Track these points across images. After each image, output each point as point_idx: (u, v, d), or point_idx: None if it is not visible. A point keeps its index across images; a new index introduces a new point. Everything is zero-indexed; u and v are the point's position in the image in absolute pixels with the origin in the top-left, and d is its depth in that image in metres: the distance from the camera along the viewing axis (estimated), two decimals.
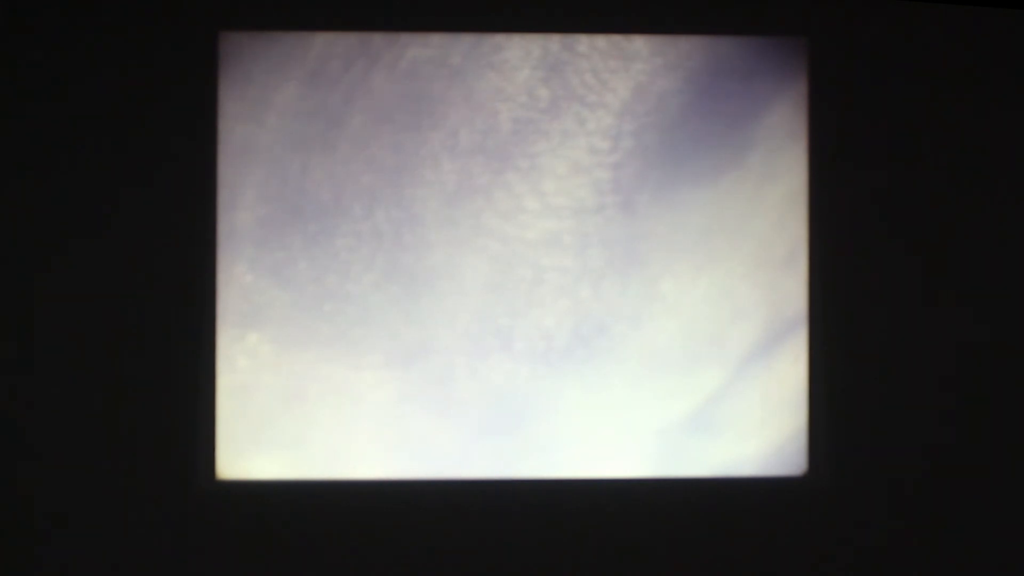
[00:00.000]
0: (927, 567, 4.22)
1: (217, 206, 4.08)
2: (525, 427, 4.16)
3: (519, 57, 4.16)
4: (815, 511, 4.21)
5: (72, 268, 4.04)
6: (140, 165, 4.07)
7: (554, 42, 4.17)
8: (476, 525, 4.13)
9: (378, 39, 4.13)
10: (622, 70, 4.18)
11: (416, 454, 4.13)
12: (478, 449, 4.14)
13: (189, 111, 4.08)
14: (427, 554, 4.12)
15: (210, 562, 4.07)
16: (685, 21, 4.19)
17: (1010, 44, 4.26)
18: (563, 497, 4.15)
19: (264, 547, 4.08)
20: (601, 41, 4.18)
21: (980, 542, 4.24)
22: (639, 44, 4.19)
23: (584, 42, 4.18)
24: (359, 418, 4.12)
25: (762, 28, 4.21)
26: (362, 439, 4.12)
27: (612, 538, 4.16)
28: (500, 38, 4.15)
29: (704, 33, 4.19)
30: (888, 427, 4.22)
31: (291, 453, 4.11)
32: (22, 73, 4.05)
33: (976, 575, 4.23)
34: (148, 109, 4.07)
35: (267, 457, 4.10)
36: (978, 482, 4.24)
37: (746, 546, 4.18)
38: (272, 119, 4.10)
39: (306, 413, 4.11)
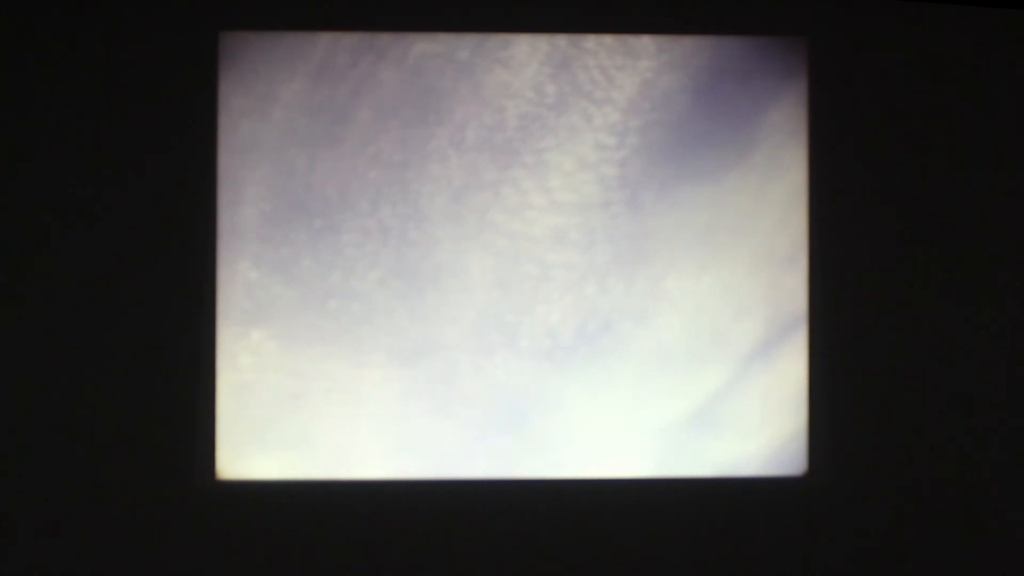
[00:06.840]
0: (927, 567, 4.23)
1: (218, 202, 4.05)
2: (529, 425, 4.14)
3: (526, 53, 4.16)
4: (815, 511, 4.21)
5: (73, 265, 4.01)
6: (141, 162, 4.04)
7: (561, 39, 4.17)
8: (478, 525, 4.11)
9: (385, 34, 4.12)
10: (629, 67, 4.19)
11: (419, 453, 4.11)
12: (481, 448, 4.12)
13: (189, 108, 4.06)
14: (428, 554, 4.10)
15: (210, 562, 4.03)
16: (687, 21, 4.20)
17: (1010, 44, 4.30)
18: (564, 497, 4.13)
19: (264, 547, 4.06)
20: (608, 38, 4.18)
21: (980, 542, 4.25)
22: (645, 41, 4.20)
23: (591, 39, 4.18)
24: (362, 417, 4.09)
25: (763, 28, 4.23)
26: (365, 438, 4.10)
27: (613, 538, 4.15)
28: (507, 34, 4.15)
29: (706, 33, 4.20)
30: (888, 427, 4.23)
31: (292, 453, 4.08)
32: (23, 72, 4.02)
33: (976, 575, 4.25)
34: (149, 107, 4.05)
35: (267, 457, 4.07)
36: (978, 482, 4.25)
37: (746, 546, 4.18)
38: (278, 114, 4.07)
39: (309, 412, 4.08)
